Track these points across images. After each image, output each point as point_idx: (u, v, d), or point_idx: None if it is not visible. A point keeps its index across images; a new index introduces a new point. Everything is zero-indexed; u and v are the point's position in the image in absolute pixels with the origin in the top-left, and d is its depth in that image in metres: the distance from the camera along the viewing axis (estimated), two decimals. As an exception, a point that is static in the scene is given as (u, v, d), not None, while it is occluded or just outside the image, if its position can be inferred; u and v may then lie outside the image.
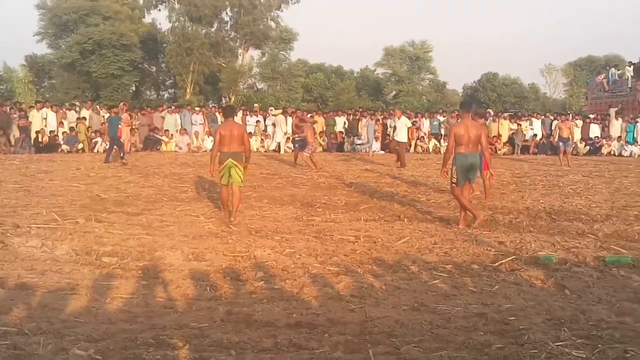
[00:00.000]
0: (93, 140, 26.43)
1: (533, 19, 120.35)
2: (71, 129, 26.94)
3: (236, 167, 10.69)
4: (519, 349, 4.90)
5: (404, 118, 23.11)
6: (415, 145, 29.76)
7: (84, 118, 27.38)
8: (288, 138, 29.06)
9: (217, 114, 28.78)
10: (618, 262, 7.75)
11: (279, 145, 28.46)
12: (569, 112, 40.24)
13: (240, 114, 29.80)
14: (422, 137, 30.48)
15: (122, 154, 20.79)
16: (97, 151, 25.67)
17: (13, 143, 25.44)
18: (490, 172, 12.29)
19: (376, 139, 29.31)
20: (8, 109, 26.91)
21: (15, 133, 25.84)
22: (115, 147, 21.04)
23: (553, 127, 27.51)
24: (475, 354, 4.79)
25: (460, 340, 5.07)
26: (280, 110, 31.01)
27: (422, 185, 15.63)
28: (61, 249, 8.07)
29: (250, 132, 28.15)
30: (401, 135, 22.12)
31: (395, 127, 22.75)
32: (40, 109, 27.07)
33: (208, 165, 11.53)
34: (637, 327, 5.41)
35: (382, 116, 31.55)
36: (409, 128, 23.33)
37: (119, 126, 21.62)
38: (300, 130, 20.64)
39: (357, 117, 31.11)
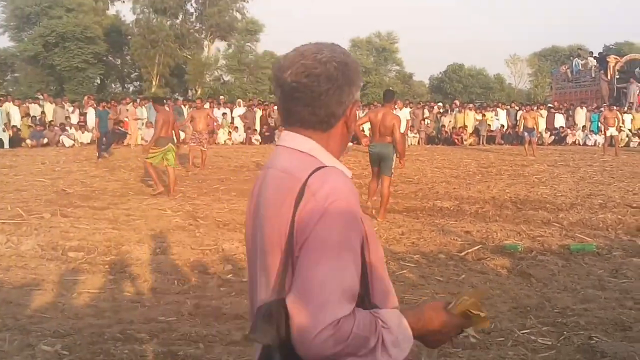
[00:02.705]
0: (59, 136, 26.07)
1: (497, 11, 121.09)
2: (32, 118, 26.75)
3: (172, 151, 12.39)
4: (486, 336, 4.95)
5: (405, 109, 23.39)
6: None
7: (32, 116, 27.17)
8: (255, 130, 29.06)
9: (182, 106, 28.68)
10: (583, 250, 7.86)
11: None
12: (534, 102, 40.58)
13: (207, 106, 29.77)
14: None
15: (100, 150, 20.64)
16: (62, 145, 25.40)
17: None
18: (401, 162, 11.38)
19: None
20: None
21: (-23, 128, 25.49)
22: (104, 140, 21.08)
23: (518, 117, 27.75)
24: (442, 343, 4.82)
25: (427, 329, 5.11)
26: None
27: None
28: (27, 244, 7.99)
29: (218, 124, 28.08)
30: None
31: None
32: (4, 104, 26.64)
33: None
34: (601, 314, 5.50)
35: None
36: (407, 120, 23.50)
37: (125, 119, 22.61)
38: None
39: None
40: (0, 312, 5.48)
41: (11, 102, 26.94)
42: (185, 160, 17.59)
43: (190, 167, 16.79)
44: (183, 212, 10.63)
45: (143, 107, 28.88)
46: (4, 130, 25.27)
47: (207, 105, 29.57)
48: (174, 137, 12.71)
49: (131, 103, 28.26)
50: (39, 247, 7.86)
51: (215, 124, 19.52)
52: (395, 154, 10.24)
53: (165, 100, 14.70)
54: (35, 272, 6.83)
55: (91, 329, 5.08)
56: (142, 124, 27.83)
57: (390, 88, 14.48)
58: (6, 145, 24.82)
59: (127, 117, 25.35)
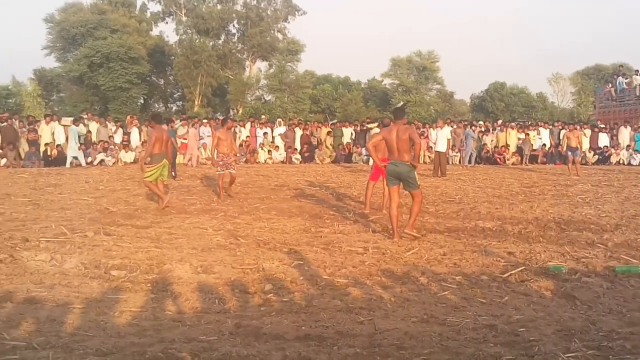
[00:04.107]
0: (103, 155, 26.44)
1: (541, 29, 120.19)
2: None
3: (166, 167, 13.82)
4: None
5: (446, 128, 23.48)
6: (423, 155, 29.41)
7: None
8: (295, 149, 29.18)
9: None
10: (628, 272, 7.69)
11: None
12: (577, 121, 40.11)
13: (248, 125, 30.13)
14: (430, 147, 30.44)
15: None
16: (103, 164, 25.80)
17: (23, 157, 25.52)
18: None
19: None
20: (17, 122, 27.04)
21: (24, 147, 25.96)
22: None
23: (561, 137, 27.48)
24: (485, 366, 4.75)
25: (470, 352, 5.04)
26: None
27: (430, 195, 15.57)
28: (70, 262, 8.07)
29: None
30: (441, 145, 22.56)
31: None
32: (49, 123, 27.13)
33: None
34: (648, 337, 5.36)
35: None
36: (448, 139, 23.49)
37: (184, 141, 23.48)
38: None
39: (365, 128, 31.05)
40: (43, 330, 5.53)
41: (57, 122, 27.35)
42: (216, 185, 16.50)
43: (222, 196, 14.95)
44: (224, 231, 10.67)
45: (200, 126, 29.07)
46: (79, 149, 25.71)
47: (248, 125, 30.00)
48: (168, 153, 13.98)
49: (179, 122, 28.14)
50: (82, 265, 7.94)
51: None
52: (414, 170, 9.99)
53: (162, 118, 17.17)
54: (78, 290, 6.89)
55: (133, 347, 5.10)
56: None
57: (401, 105, 14.34)
58: (83, 162, 25.41)
59: (183, 139, 26.01)
